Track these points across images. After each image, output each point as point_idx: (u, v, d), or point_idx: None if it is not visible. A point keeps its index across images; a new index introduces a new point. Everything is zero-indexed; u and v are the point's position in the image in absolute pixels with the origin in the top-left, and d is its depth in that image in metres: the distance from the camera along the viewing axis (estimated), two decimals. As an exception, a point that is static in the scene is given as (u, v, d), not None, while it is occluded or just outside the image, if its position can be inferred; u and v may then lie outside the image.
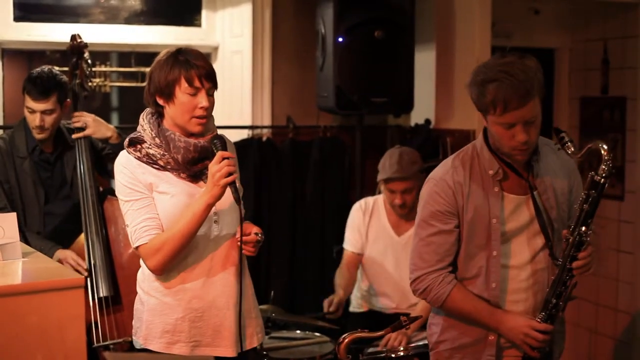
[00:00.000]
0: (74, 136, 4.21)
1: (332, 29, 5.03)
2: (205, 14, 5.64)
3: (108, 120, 5.64)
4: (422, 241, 3.13)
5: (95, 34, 5.20)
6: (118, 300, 4.06)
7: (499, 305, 3.09)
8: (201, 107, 3.03)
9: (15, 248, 2.87)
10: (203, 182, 3.09)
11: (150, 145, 3.07)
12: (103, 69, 5.29)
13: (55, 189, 4.20)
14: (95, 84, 5.16)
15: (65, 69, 4.38)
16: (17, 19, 5.13)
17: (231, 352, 3.14)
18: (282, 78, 5.61)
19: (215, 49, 5.61)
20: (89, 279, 4.01)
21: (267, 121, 5.55)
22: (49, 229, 4.13)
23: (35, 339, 2.58)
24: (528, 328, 3.01)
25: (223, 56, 5.57)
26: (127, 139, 3.11)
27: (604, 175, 2.86)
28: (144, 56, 5.49)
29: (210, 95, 3.07)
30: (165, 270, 3.07)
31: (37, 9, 5.22)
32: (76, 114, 4.27)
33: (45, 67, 4.18)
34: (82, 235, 4.11)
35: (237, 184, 3.07)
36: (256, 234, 3.10)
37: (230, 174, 2.97)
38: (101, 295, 4.01)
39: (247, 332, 3.21)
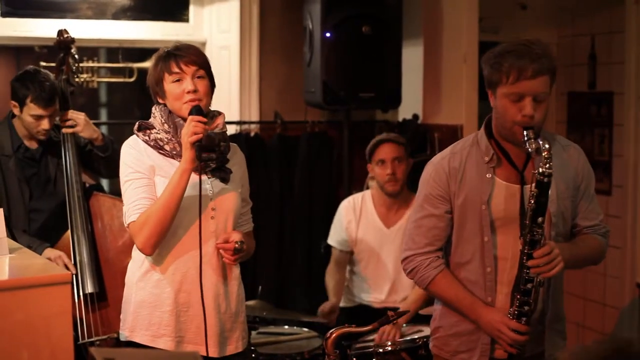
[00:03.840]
0: (63, 130, 4.18)
1: (319, 24, 5.03)
2: (192, 9, 5.63)
3: (96, 116, 5.65)
4: (414, 223, 3.18)
5: (83, 29, 5.19)
6: (104, 297, 4.05)
7: (494, 291, 3.07)
8: (187, 92, 3.01)
9: (2, 244, 2.87)
10: (206, 173, 3.08)
11: (159, 130, 3.08)
12: (90, 64, 5.28)
13: (40, 186, 4.16)
14: (82, 79, 5.15)
15: (53, 64, 4.36)
16: (4, 14, 5.12)
17: (213, 352, 3.10)
18: (269, 73, 5.61)
19: (203, 44, 5.60)
20: (74, 276, 3.99)
21: (254, 117, 5.55)
22: (35, 227, 4.10)
23: (21, 335, 2.59)
24: (501, 324, 2.99)
25: (210, 52, 5.56)
26: (136, 124, 3.13)
27: (545, 174, 2.85)
28: (131, 52, 5.48)
29: (199, 78, 3.05)
30: (154, 249, 3.03)
31: (24, 4, 5.20)
32: (70, 112, 4.21)
33: (41, 71, 4.12)
34: (69, 232, 4.09)
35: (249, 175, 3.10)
36: (236, 242, 3.05)
37: (196, 135, 2.92)
38: (87, 291, 3.99)
39: (233, 336, 3.19)
